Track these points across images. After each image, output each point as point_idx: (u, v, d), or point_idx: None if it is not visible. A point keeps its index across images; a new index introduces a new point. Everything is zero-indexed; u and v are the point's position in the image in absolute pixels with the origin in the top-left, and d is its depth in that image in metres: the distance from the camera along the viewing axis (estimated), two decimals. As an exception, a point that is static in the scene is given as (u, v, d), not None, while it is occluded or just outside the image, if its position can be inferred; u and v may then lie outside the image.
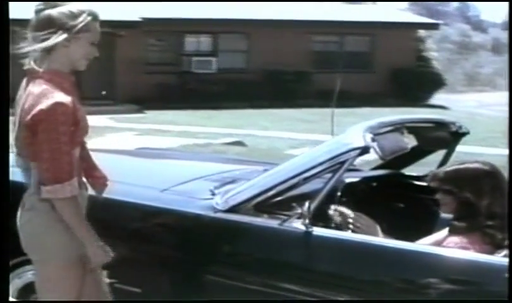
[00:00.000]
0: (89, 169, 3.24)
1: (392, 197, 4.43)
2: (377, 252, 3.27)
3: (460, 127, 4.43)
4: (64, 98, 2.82)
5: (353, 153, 3.38)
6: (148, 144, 11.88)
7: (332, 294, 3.24)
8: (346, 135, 3.53)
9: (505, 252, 3.19)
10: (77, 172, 2.97)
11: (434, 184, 3.57)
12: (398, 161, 4.48)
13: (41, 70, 2.90)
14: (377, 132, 3.51)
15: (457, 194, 3.44)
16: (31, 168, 2.95)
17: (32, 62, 2.92)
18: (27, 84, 2.92)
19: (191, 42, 25.95)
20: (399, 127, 3.80)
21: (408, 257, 3.21)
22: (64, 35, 2.88)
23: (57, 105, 2.78)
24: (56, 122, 2.78)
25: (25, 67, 2.94)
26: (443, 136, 4.39)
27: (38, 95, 2.82)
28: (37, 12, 2.92)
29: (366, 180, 4.33)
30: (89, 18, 2.94)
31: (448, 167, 3.67)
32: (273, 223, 3.39)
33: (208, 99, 22.23)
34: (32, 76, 2.92)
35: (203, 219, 3.50)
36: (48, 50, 2.90)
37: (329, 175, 3.42)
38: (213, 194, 3.65)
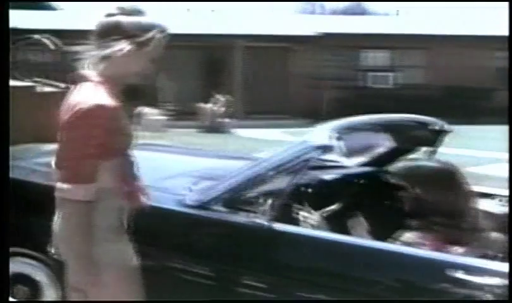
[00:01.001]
0: (125, 182, 3.03)
1: (369, 193, 4.42)
2: (333, 247, 3.41)
3: (442, 125, 4.48)
4: (108, 102, 2.69)
5: (315, 152, 3.53)
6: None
7: (294, 288, 3.38)
8: (312, 134, 3.65)
9: (461, 249, 3.34)
10: (114, 181, 2.83)
11: (393, 180, 3.73)
12: (383, 159, 4.65)
13: (93, 75, 2.78)
14: (345, 131, 3.64)
15: (410, 191, 3.56)
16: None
17: (86, 66, 2.81)
18: (76, 88, 2.80)
19: (367, 57, 25.68)
20: (373, 127, 3.96)
21: (363, 253, 3.35)
22: (128, 46, 2.76)
23: (97, 107, 2.65)
24: (90, 124, 2.65)
25: (78, 72, 2.83)
26: (425, 134, 4.45)
27: (83, 96, 2.70)
28: (107, 16, 2.80)
29: (345, 177, 4.39)
30: (158, 35, 2.81)
31: (406, 164, 3.82)
32: (240, 219, 3.52)
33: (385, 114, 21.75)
34: (83, 79, 2.79)
35: (175, 214, 3.64)
36: (106, 57, 2.78)
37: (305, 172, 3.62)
38: (191, 190, 3.78)
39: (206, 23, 24.92)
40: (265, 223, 3.44)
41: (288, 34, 23.91)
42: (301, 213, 3.74)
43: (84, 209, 2.68)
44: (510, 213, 3.40)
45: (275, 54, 23.87)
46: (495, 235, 3.59)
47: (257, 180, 3.61)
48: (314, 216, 3.71)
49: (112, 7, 2.80)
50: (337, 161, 4.50)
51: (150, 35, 2.77)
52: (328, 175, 4.32)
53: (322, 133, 3.60)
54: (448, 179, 3.59)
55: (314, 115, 21.64)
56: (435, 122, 4.48)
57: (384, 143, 4.27)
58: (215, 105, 20.44)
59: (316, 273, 3.39)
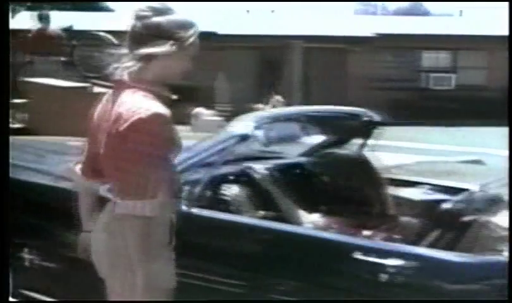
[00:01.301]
0: (174, 193, 2.92)
1: (289, 181, 4.47)
2: (249, 231, 3.55)
3: (371, 116, 4.57)
4: (164, 110, 2.57)
5: (232, 141, 3.70)
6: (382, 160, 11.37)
7: (212, 268, 3.47)
8: (234, 124, 3.83)
9: (369, 233, 3.62)
10: (167, 194, 2.68)
11: (309, 169, 3.98)
12: (312, 150, 4.74)
13: (136, 80, 2.64)
14: (269, 122, 3.83)
15: (323, 178, 3.88)
16: (113, 188, 2.71)
17: (124, 72, 2.66)
18: (117, 95, 2.65)
19: (428, 58, 25.33)
20: (299, 118, 4.08)
21: (275, 235, 3.48)
22: (173, 47, 2.64)
23: (157, 115, 2.53)
24: (153, 134, 2.52)
25: (115, 77, 2.69)
26: (355, 126, 4.54)
27: (135, 105, 2.55)
28: (142, 18, 2.65)
29: (266, 166, 4.51)
30: (196, 32, 2.71)
31: (320, 153, 4.08)
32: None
33: (446, 116, 21.47)
34: (124, 85, 2.64)
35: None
36: (147, 60, 2.65)
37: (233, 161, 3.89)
38: None
39: (265, 23, 24.90)
40: (186, 209, 3.54)
41: (347, 35, 23.73)
42: (224, 199, 3.87)
43: (148, 226, 2.56)
44: (510, 212, 3.36)
45: (334, 55, 23.74)
46: (406, 220, 3.84)
47: (181, 168, 3.74)
48: (235, 203, 3.84)
49: (140, 7, 2.67)
50: (263, 152, 4.65)
51: (190, 32, 2.67)
52: (250, 164, 4.44)
53: (245, 123, 3.78)
54: (359, 168, 3.84)
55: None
56: (364, 114, 4.59)
57: (311, 134, 4.49)
58: (273, 106, 20.34)
59: (234, 256, 3.50)
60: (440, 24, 27.21)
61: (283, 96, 20.74)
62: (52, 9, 15.79)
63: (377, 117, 4.62)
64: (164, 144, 2.57)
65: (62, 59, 13.61)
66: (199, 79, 21.47)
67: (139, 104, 2.55)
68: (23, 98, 12.43)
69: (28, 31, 14.87)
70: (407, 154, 14.20)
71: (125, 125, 2.52)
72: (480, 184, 4.16)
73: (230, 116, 20.82)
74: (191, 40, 2.67)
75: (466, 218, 3.60)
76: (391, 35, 23.79)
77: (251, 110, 21.60)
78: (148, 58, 2.64)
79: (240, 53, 23.37)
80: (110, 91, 2.74)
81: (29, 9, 19.24)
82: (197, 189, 3.61)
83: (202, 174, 3.68)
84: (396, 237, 3.65)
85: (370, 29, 24.30)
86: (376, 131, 4.64)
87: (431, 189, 4.49)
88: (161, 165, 2.57)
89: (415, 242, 3.54)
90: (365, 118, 4.56)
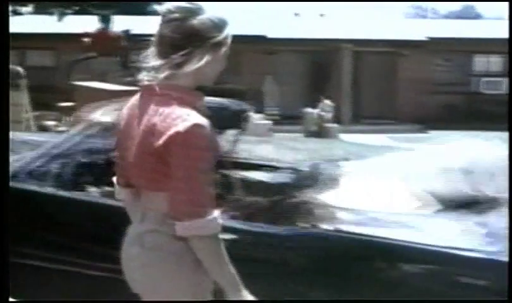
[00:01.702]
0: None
1: None
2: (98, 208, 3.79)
3: (239, 107, 4.78)
4: (203, 120, 2.40)
5: (95, 129, 4.03)
6: (430, 165, 11.24)
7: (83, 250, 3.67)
8: (95, 114, 4.09)
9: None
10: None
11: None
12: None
13: (163, 87, 2.47)
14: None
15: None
16: (143, 200, 2.57)
17: (153, 77, 2.49)
18: (146, 102, 2.48)
19: (480, 62, 24.95)
20: None
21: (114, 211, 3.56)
22: (212, 50, 2.46)
23: (197, 127, 2.36)
24: (196, 147, 2.36)
25: (143, 83, 2.52)
26: (224, 116, 4.56)
27: (170, 115, 2.39)
28: (173, 20, 2.45)
29: None
30: (229, 30, 2.52)
31: None
32: (34, 188, 3.90)
33: (498, 121, 21.11)
34: (154, 92, 2.47)
35: None
36: (180, 65, 2.45)
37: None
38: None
39: (314, 27, 24.86)
40: (54, 190, 3.86)
41: (397, 39, 23.54)
42: (81, 182, 4.12)
43: (216, 241, 2.43)
44: (510, 212, 3.51)
45: (384, 59, 23.57)
46: (250, 199, 4.08)
47: (49, 155, 4.07)
48: (100, 187, 4.05)
49: (169, 8, 2.47)
50: None
51: (225, 33, 2.49)
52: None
53: (105, 114, 3.96)
54: None
55: (422, 121, 21.23)
56: (234, 105, 4.78)
57: None
58: (322, 110, 20.30)
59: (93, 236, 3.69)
60: (492, 27, 26.82)
61: (332, 100, 20.68)
62: (97, 11, 15.99)
63: (245, 107, 4.86)
64: (207, 155, 2.40)
65: (118, 61, 13.81)
66: (248, 82, 21.66)
67: (174, 115, 2.39)
68: (70, 101, 12.62)
69: (81, 34, 15.11)
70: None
71: (163, 138, 2.38)
72: (309, 165, 4.60)
73: (279, 120, 20.84)
74: (226, 40, 2.50)
75: (296, 195, 3.97)
76: (442, 39, 23.51)
77: (301, 113, 21.57)
78: (181, 63, 2.45)
79: (289, 57, 23.36)
80: (136, 95, 2.58)
81: (77, 13, 19.52)
82: (60, 174, 3.92)
83: (61, 162, 4.01)
84: (236, 214, 3.90)
85: (420, 32, 24.06)
86: (244, 121, 4.88)
87: (276, 171, 4.90)
88: (210, 178, 2.43)
89: (251, 218, 3.80)
90: (233, 109, 4.74)
